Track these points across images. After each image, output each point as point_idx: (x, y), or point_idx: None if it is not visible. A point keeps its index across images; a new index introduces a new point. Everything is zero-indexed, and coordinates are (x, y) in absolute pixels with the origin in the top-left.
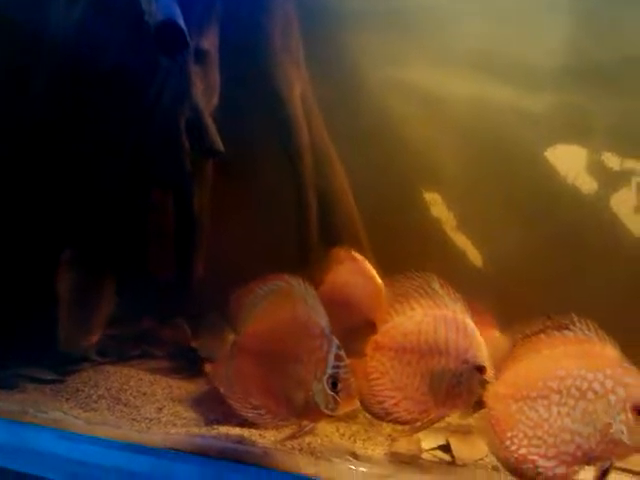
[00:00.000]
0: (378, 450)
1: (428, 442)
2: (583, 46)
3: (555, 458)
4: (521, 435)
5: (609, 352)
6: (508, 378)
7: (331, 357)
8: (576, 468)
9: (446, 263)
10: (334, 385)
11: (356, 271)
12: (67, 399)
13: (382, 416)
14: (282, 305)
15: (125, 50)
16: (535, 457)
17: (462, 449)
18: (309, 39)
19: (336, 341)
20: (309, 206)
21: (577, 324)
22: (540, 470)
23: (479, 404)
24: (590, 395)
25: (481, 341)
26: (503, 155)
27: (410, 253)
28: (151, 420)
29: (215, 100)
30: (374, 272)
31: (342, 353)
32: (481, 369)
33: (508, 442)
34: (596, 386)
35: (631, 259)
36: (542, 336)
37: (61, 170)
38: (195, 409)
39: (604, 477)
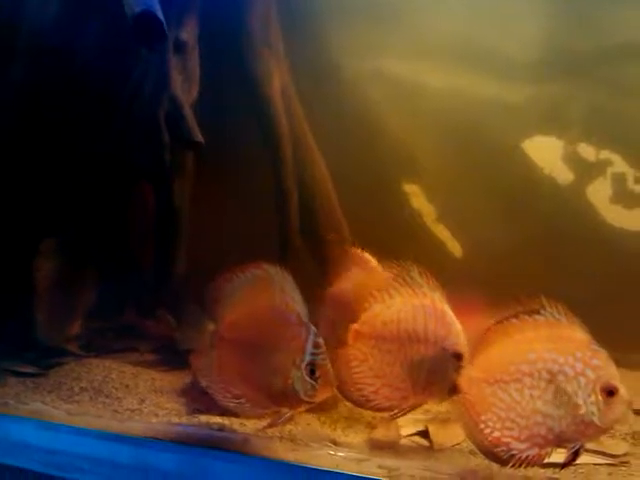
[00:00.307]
0: (358, 437)
1: (407, 429)
2: (561, 38)
3: (527, 440)
4: (495, 418)
5: (579, 335)
6: (482, 362)
7: (309, 345)
8: (548, 450)
9: (426, 252)
10: (312, 372)
11: (366, 272)
12: (49, 391)
13: (362, 403)
14: (260, 293)
15: (103, 41)
16: (508, 440)
17: (440, 434)
18: (288, 31)
19: (314, 328)
20: (289, 196)
21: (547, 308)
22: (513, 452)
23: (454, 389)
24: (561, 378)
25: (459, 329)
26: (481, 146)
27: (390, 242)
28: (133, 411)
29: (195, 91)
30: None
31: (320, 340)
32: (459, 356)
33: (482, 425)
34: (566, 369)
35: (607, 247)
36: (514, 320)
37: (41, 159)
38: (177, 400)
39: (575, 458)
